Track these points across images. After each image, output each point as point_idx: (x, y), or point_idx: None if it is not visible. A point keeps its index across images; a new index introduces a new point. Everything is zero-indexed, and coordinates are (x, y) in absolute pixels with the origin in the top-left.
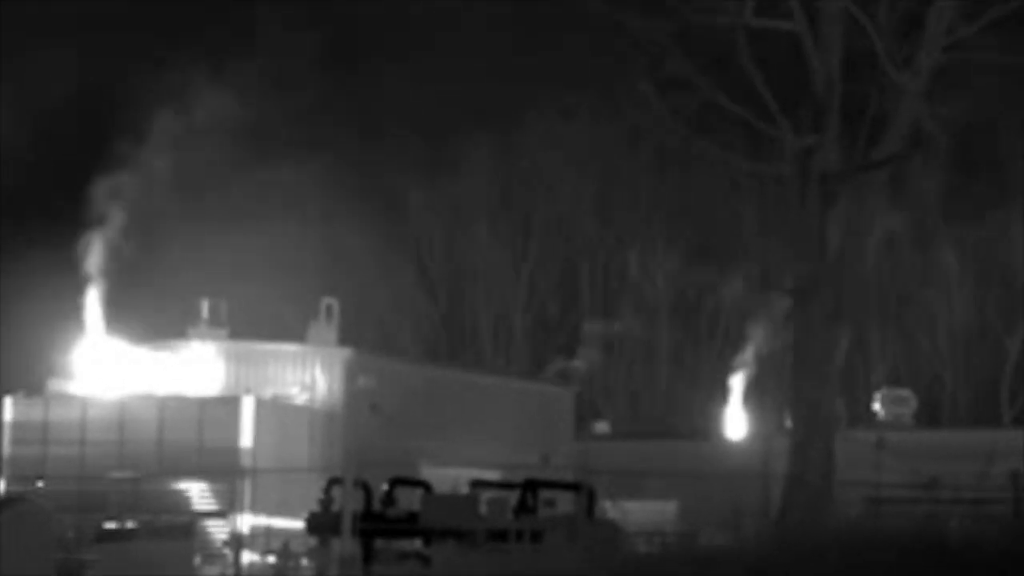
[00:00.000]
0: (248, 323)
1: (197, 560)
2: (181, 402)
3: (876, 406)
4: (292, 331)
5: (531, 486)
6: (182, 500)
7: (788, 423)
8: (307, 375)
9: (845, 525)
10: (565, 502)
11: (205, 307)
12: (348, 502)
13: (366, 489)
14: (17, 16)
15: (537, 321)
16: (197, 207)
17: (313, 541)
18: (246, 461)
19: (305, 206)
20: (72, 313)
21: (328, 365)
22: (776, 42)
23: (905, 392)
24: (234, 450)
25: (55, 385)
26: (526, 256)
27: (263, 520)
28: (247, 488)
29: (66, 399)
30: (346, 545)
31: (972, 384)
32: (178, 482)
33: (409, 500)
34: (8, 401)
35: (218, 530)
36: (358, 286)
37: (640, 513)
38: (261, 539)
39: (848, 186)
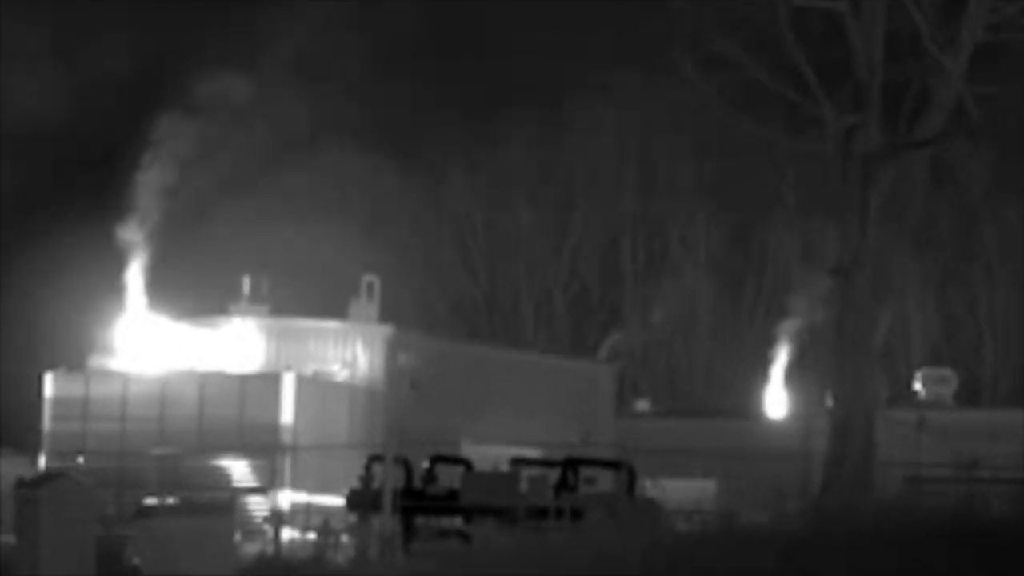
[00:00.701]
0: (289, 300)
1: (237, 537)
2: (222, 378)
3: (917, 386)
4: (333, 308)
5: (571, 464)
6: (222, 477)
7: (829, 402)
8: (348, 352)
9: (885, 505)
10: (605, 480)
11: (246, 283)
12: (388, 479)
13: (406, 466)
14: None
15: (578, 298)
16: (239, 184)
17: (353, 518)
18: (287, 438)
19: (347, 184)
20: (113, 289)
21: (369, 342)
22: (818, 21)
23: (946, 372)
24: (275, 427)
25: (96, 361)
26: (567, 233)
27: (303, 497)
28: (287, 465)
29: (107, 375)
30: (386, 522)
31: (1013, 364)
32: (218, 458)
33: (449, 477)
34: (49, 377)
35: (258, 507)
36: (399, 263)
37: (680, 492)
38: (301, 516)
39: (890, 165)
